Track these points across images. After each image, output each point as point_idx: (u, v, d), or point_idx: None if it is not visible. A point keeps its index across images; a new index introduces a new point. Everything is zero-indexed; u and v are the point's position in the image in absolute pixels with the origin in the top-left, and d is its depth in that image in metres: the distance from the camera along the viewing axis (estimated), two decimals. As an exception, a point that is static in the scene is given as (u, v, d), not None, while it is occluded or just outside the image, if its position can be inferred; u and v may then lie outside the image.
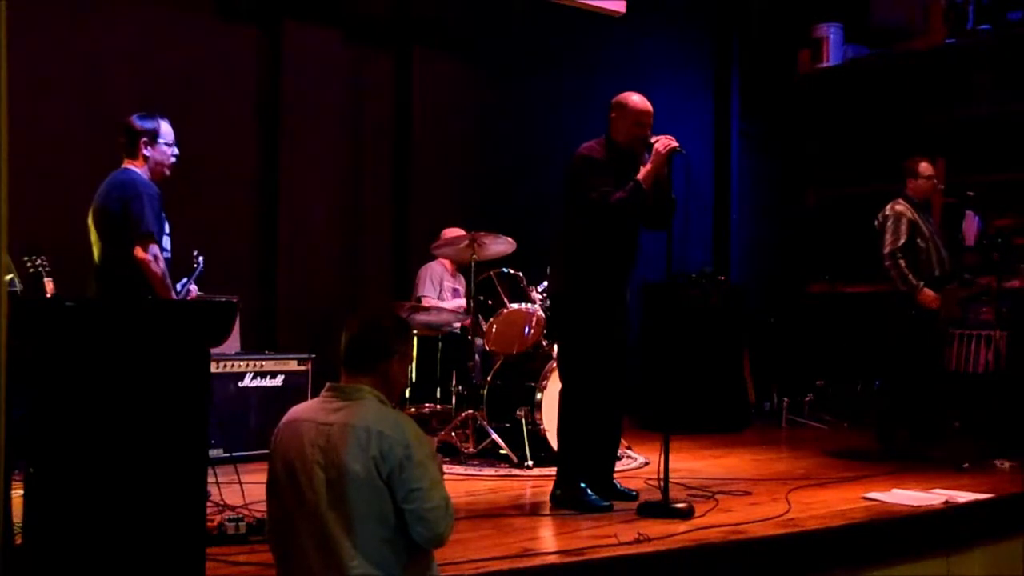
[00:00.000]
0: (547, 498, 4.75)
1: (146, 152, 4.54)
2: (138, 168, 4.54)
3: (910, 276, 6.08)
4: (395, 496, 2.72)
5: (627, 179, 4.60)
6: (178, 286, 4.68)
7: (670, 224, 4.64)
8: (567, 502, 4.59)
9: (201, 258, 4.91)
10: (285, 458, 2.83)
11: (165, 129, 4.59)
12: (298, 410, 2.95)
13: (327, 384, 2.94)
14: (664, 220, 4.67)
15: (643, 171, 4.56)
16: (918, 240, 6.16)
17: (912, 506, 4.69)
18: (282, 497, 2.84)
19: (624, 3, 7.81)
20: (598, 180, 4.58)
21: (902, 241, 6.12)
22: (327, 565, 2.72)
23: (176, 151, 4.63)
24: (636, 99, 4.70)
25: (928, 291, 6.07)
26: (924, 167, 6.35)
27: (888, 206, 6.29)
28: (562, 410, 4.75)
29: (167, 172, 4.62)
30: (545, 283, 6.22)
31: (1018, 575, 4.90)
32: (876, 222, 6.32)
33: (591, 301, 4.65)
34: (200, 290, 4.87)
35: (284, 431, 2.90)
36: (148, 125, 4.56)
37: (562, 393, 4.75)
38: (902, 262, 6.10)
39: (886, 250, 6.15)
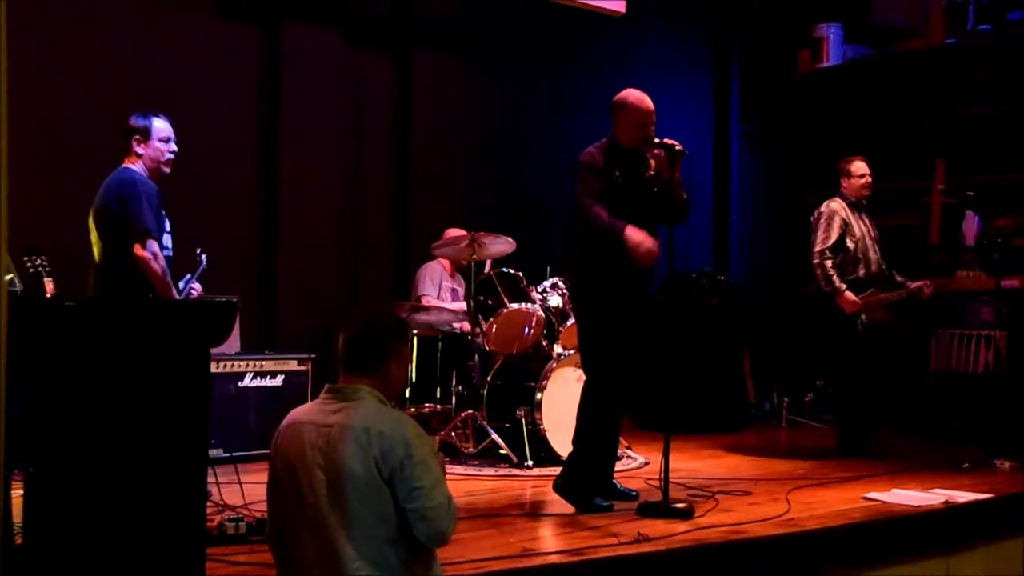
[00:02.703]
0: (547, 498, 4.75)
1: (139, 150, 4.54)
2: (135, 166, 4.54)
3: (835, 278, 6.12)
4: (397, 496, 2.72)
5: (632, 178, 4.61)
6: (181, 283, 4.68)
7: (683, 221, 4.65)
8: (568, 494, 4.59)
9: (204, 256, 4.91)
10: (286, 460, 2.83)
11: (159, 126, 4.57)
12: (298, 412, 2.95)
13: (326, 385, 2.94)
14: (677, 217, 4.67)
15: (629, 232, 4.42)
16: (848, 240, 6.20)
17: (912, 506, 4.69)
18: (283, 499, 2.85)
19: (624, 3, 7.81)
20: (591, 185, 4.56)
21: (832, 241, 6.17)
22: (329, 567, 2.72)
23: (173, 148, 4.60)
24: (635, 98, 4.66)
25: (849, 295, 6.10)
26: (856, 166, 6.37)
27: (824, 204, 6.33)
28: (584, 404, 4.69)
29: (165, 170, 4.60)
30: (545, 283, 6.23)
31: (1018, 575, 4.90)
32: (811, 218, 6.36)
33: (605, 299, 4.62)
34: (203, 285, 4.87)
35: (285, 433, 2.89)
36: (140, 123, 4.56)
37: (585, 387, 4.71)
38: (828, 263, 6.14)
39: (815, 249, 6.20)
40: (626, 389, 4.73)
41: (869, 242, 6.28)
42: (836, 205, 6.28)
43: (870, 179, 6.35)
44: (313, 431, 2.80)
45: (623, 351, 4.64)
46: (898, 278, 6.29)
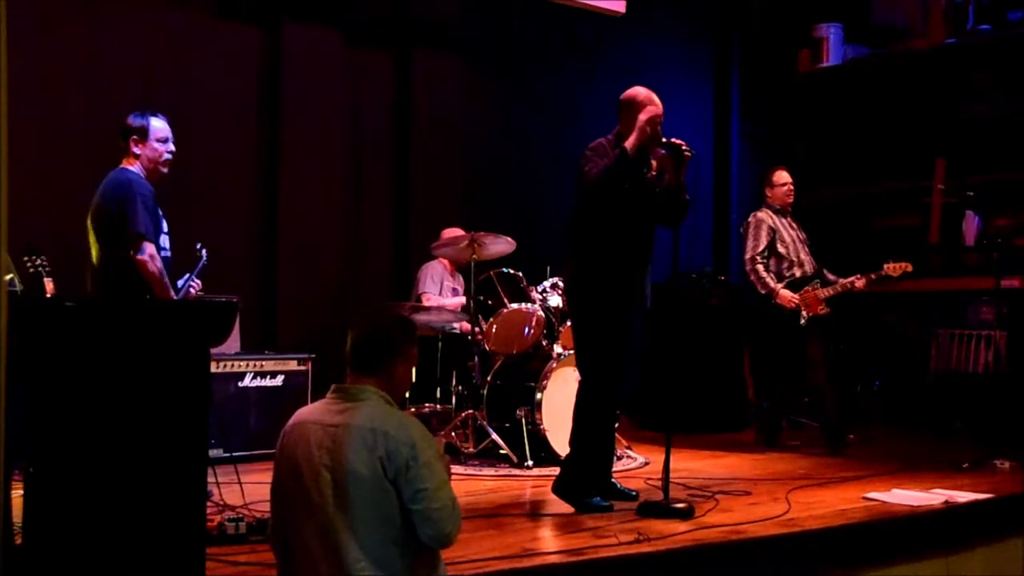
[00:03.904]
0: (547, 498, 4.75)
1: (136, 150, 4.52)
2: (132, 167, 4.52)
3: (767, 279, 6.46)
4: (402, 497, 2.72)
5: (638, 175, 4.60)
6: (180, 281, 4.67)
7: (681, 222, 4.65)
8: (567, 495, 4.60)
9: (204, 251, 4.90)
10: (291, 460, 2.83)
11: (156, 126, 4.55)
12: (304, 412, 2.95)
13: (332, 386, 2.94)
14: (675, 218, 4.66)
15: (628, 140, 4.51)
16: (779, 246, 6.52)
17: (912, 506, 4.69)
18: (288, 499, 2.84)
19: (624, 3, 7.81)
20: (598, 163, 4.55)
21: (761, 246, 6.52)
22: (333, 567, 2.71)
23: (171, 148, 4.58)
24: (644, 96, 4.66)
25: (785, 293, 6.42)
26: (778, 176, 6.73)
27: (751, 215, 6.67)
28: (580, 404, 4.70)
29: (163, 170, 4.58)
30: (545, 283, 6.23)
31: (1018, 575, 4.90)
32: (740, 230, 6.70)
33: (601, 297, 4.62)
34: (203, 284, 4.86)
35: (290, 434, 2.89)
36: (138, 122, 4.53)
37: (581, 387, 4.71)
38: (760, 267, 6.50)
39: (747, 256, 6.57)
40: (620, 389, 4.72)
41: (799, 246, 6.60)
42: (762, 214, 6.64)
43: (791, 187, 6.69)
44: (319, 431, 2.80)
45: (618, 351, 4.63)
46: (830, 277, 6.52)
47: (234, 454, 4.88)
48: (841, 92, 9.09)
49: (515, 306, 6.04)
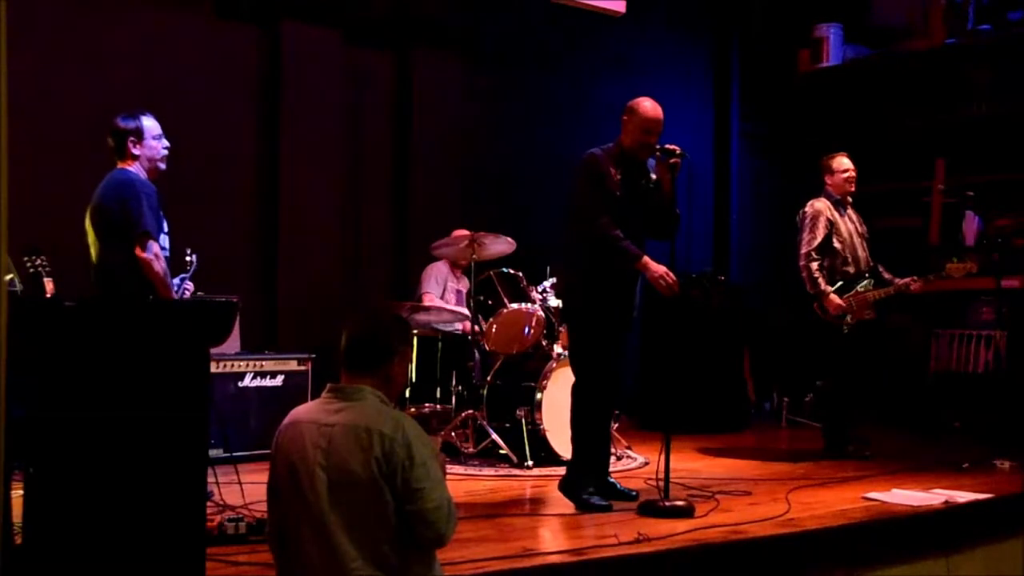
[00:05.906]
0: (547, 498, 4.76)
1: (135, 151, 4.51)
2: (132, 168, 4.51)
3: (820, 280, 6.05)
4: (397, 496, 2.72)
5: (632, 183, 4.63)
6: (175, 282, 4.67)
7: (673, 237, 4.67)
8: (570, 493, 4.62)
9: (195, 256, 4.89)
10: (287, 460, 2.83)
11: (149, 124, 4.54)
12: (299, 412, 2.94)
13: (328, 385, 2.94)
14: (667, 233, 4.69)
15: (648, 262, 4.56)
16: (835, 240, 6.13)
17: (912, 506, 4.69)
18: (284, 499, 2.84)
19: (624, 3, 7.80)
20: (594, 195, 4.62)
21: (817, 241, 6.09)
22: (329, 566, 2.71)
23: (166, 144, 4.58)
24: (647, 106, 4.69)
25: (834, 297, 6.04)
26: (838, 162, 6.25)
27: (808, 203, 6.23)
28: (573, 404, 4.76)
29: (162, 166, 4.58)
30: (545, 283, 6.23)
31: (1018, 575, 4.90)
32: (797, 218, 6.28)
33: (593, 298, 4.66)
34: (199, 290, 4.86)
35: (286, 433, 2.89)
36: (131, 124, 4.52)
37: (573, 388, 4.76)
38: (814, 265, 6.08)
39: (802, 251, 6.13)
40: (611, 388, 4.78)
41: (857, 240, 6.21)
42: (820, 205, 6.19)
43: (854, 174, 6.23)
44: (314, 430, 2.80)
45: (609, 350, 4.69)
46: (886, 275, 6.19)
47: (234, 454, 4.88)
48: (841, 92, 9.09)
49: (515, 306, 6.04)
